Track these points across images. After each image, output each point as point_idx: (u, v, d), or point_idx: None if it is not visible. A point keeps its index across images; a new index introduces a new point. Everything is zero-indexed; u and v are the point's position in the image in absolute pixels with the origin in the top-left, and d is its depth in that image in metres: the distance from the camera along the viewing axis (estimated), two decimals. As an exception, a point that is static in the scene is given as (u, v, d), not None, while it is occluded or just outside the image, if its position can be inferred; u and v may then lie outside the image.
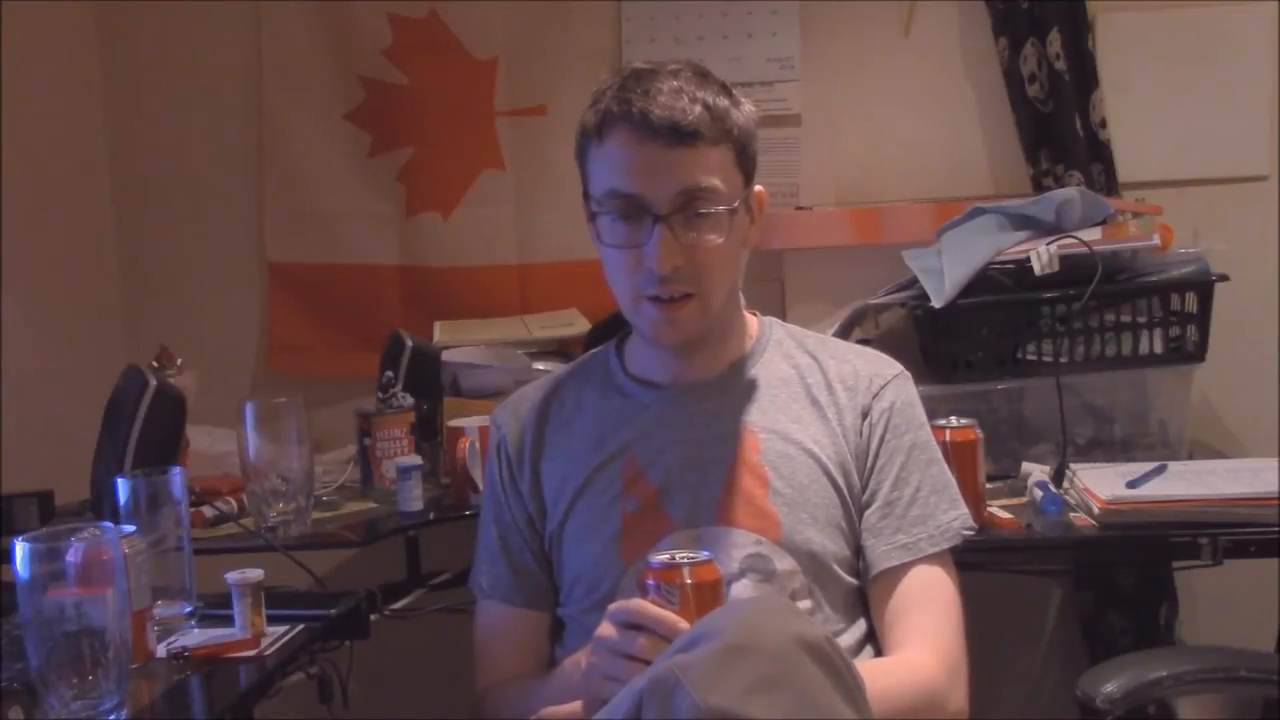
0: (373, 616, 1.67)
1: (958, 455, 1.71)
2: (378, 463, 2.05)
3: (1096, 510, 1.77)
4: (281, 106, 2.67)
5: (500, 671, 1.53)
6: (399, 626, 2.00)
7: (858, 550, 1.48)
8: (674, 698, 1.07)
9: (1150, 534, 1.78)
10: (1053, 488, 1.87)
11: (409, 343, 2.21)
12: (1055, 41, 2.38)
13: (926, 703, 1.38)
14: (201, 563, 1.62)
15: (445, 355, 2.29)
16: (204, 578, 1.60)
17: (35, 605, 1.26)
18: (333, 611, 1.59)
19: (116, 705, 1.28)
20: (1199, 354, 2.08)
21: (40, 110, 2.48)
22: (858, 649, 1.45)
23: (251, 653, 1.46)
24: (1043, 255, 2.00)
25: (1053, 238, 2.03)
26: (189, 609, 1.56)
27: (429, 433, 2.15)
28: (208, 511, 1.93)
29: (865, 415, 1.50)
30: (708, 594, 1.25)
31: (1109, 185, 2.39)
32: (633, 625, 1.24)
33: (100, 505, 1.86)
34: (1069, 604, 2.53)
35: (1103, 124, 2.40)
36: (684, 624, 1.21)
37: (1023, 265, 2.03)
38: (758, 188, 1.50)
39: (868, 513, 1.48)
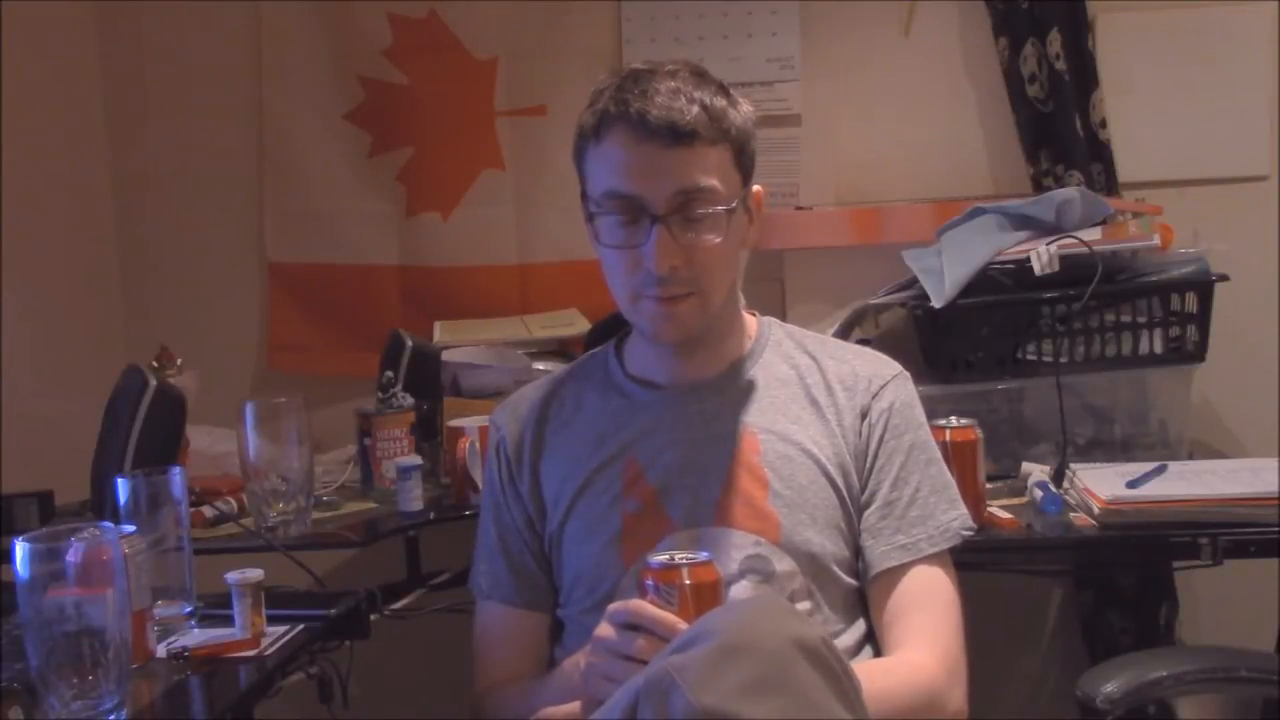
0: (373, 616, 1.67)
1: (958, 455, 1.71)
2: (378, 463, 2.05)
3: (1096, 510, 1.77)
4: (281, 106, 2.67)
5: (500, 672, 1.53)
6: (399, 626, 2.00)
7: (857, 551, 1.48)
8: (669, 698, 1.08)
9: (1150, 534, 1.78)
10: (1053, 488, 1.87)
11: (409, 343, 2.21)
12: (1055, 41, 2.38)
13: (926, 703, 1.38)
14: (201, 563, 1.62)
15: (445, 355, 2.29)
16: (204, 578, 1.60)
17: (35, 605, 1.26)
18: (333, 611, 1.59)
19: (116, 705, 1.28)
20: (1199, 354, 2.08)
21: (40, 110, 2.48)
22: (857, 649, 1.45)
23: (251, 653, 1.46)
24: (1043, 255, 2.00)
25: (1053, 238, 2.03)
26: (189, 609, 1.56)
27: (429, 433, 2.15)
28: (208, 511, 1.93)
29: (864, 415, 1.50)
30: (707, 595, 1.25)
31: (1109, 185, 2.39)
32: (632, 626, 1.24)
33: (100, 505, 1.86)
34: (1069, 604, 2.53)
35: (1103, 124, 2.40)
36: (683, 625, 1.21)
37: (1023, 265, 2.03)
38: (756, 187, 1.50)
39: (867, 513, 1.48)
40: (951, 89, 2.52)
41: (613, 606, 1.27)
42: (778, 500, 1.45)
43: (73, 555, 1.26)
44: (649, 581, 1.26)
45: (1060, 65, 2.38)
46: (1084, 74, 2.40)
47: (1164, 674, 1.52)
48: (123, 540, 1.37)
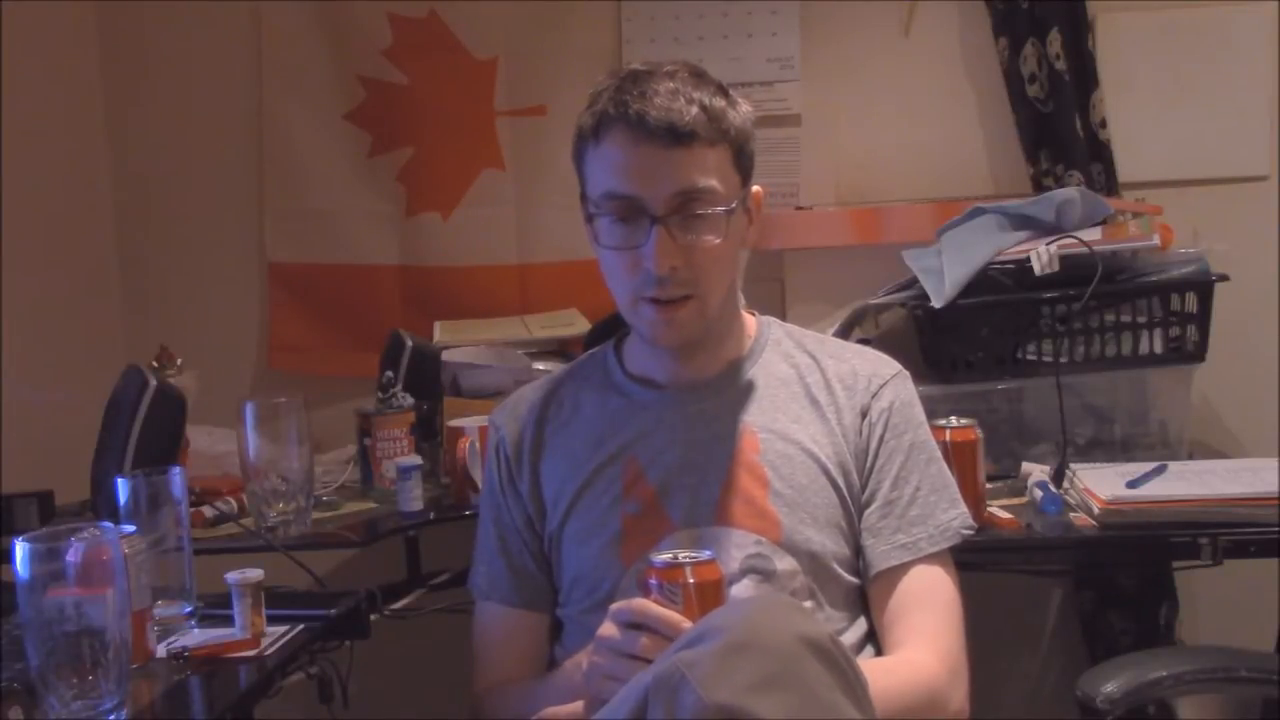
0: (373, 616, 1.68)
1: (958, 455, 1.71)
2: (378, 463, 2.05)
3: (1096, 510, 1.77)
4: (281, 106, 2.67)
5: (499, 672, 1.53)
6: (399, 626, 2.00)
7: (858, 549, 1.48)
8: (679, 694, 1.08)
9: (1150, 534, 1.78)
10: (1053, 488, 1.87)
11: (409, 343, 2.21)
12: (1055, 41, 2.38)
13: (927, 702, 1.38)
14: (201, 563, 1.62)
15: (445, 355, 2.29)
16: (204, 578, 1.60)
17: (35, 605, 1.26)
18: (333, 611, 1.59)
19: (116, 705, 1.28)
20: (1199, 354, 2.08)
21: (40, 110, 2.48)
22: (859, 647, 1.45)
23: (251, 653, 1.46)
24: (1043, 255, 2.00)
25: (1053, 238, 2.03)
26: (189, 609, 1.56)
27: (429, 433, 2.15)
28: (208, 511, 1.93)
29: (864, 415, 1.50)
30: (710, 593, 1.25)
31: (1109, 185, 2.39)
32: (635, 625, 1.24)
33: (100, 505, 1.86)
34: (1069, 604, 2.52)
35: (1103, 124, 2.40)
36: (686, 623, 1.21)
37: (1023, 265, 2.03)
38: (755, 188, 1.50)
39: (867, 512, 1.48)
40: (951, 89, 2.52)
41: (616, 605, 1.27)
42: (778, 499, 1.45)
43: (73, 555, 1.26)
44: (652, 580, 1.26)
45: (1060, 65, 2.38)
46: (1084, 74, 2.40)
47: (1164, 674, 1.52)
48: (123, 540, 1.37)
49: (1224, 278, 2.06)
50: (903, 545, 1.46)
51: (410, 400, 2.10)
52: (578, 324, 2.43)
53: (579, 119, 1.46)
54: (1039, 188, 2.39)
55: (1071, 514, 1.82)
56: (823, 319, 2.19)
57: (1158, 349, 2.08)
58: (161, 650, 1.46)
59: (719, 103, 1.42)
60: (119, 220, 2.72)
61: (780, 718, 1.06)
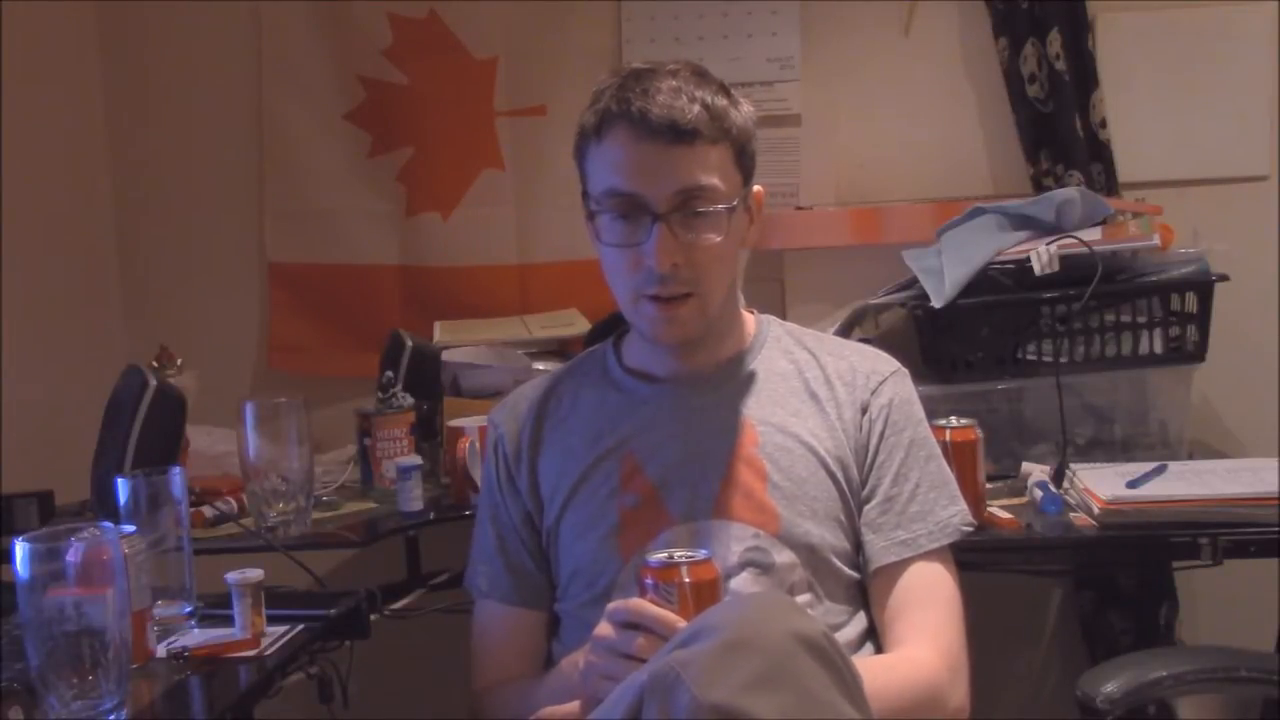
0: (373, 616, 1.67)
1: (958, 455, 1.71)
2: (378, 463, 2.05)
3: (1096, 510, 1.77)
4: (281, 106, 2.67)
5: (498, 671, 1.53)
6: (399, 626, 2.00)
7: (857, 544, 1.48)
8: (674, 694, 1.08)
9: (1150, 534, 1.78)
10: (1053, 488, 1.87)
11: (409, 343, 2.21)
12: (1055, 41, 2.38)
13: (928, 700, 1.38)
14: (201, 563, 1.62)
15: (445, 355, 2.29)
16: (204, 578, 1.60)
17: (35, 605, 1.26)
18: (333, 611, 1.59)
19: (116, 705, 1.28)
20: (1199, 354, 2.08)
21: (40, 110, 2.48)
22: (859, 643, 1.46)
23: (251, 653, 1.46)
24: (1043, 255, 2.00)
25: (1053, 238, 2.03)
26: (189, 609, 1.56)
27: (429, 433, 2.15)
28: (208, 511, 1.93)
29: (864, 411, 1.50)
30: (706, 593, 1.25)
31: (1109, 185, 2.39)
32: (631, 624, 1.24)
33: (100, 505, 1.86)
34: (1069, 604, 2.52)
35: (1103, 124, 2.40)
36: (682, 623, 1.21)
37: (1023, 265, 2.03)
38: (756, 187, 1.50)
39: (867, 508, 1.48)
40: (951, 89, 2.52)
41: (612, 605, 1.27)
42: (777, 492, 1.45)
43: (73, 555, 1.26)
44: (648, 580, 1.26)
45: (1060, 65, 2.38)
46: (1084, 74, 2.40)
47: (1164, 674, 1.52)
48: (123, 540, 1.37)
49: (1224, 278, 2.06)
50: (903, 542, 1.46)
51: (410, 400, 2.10)
52: (578, 324, 2.43)
53: (581, 117, 1.46)
54: (1039, 188, 2.39)
55: (1071, 514, 1.82)
56: (823, 319, 2.19)
57: (1158, 349, 2.08)
58: (161, 650, 1.46)
59: (721, 102, 1.43)
60: (119, 220, 2.72)
61: (775, 717, 1.06)
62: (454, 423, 2.03)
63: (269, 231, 2.69)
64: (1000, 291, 2.05)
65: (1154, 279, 2.07)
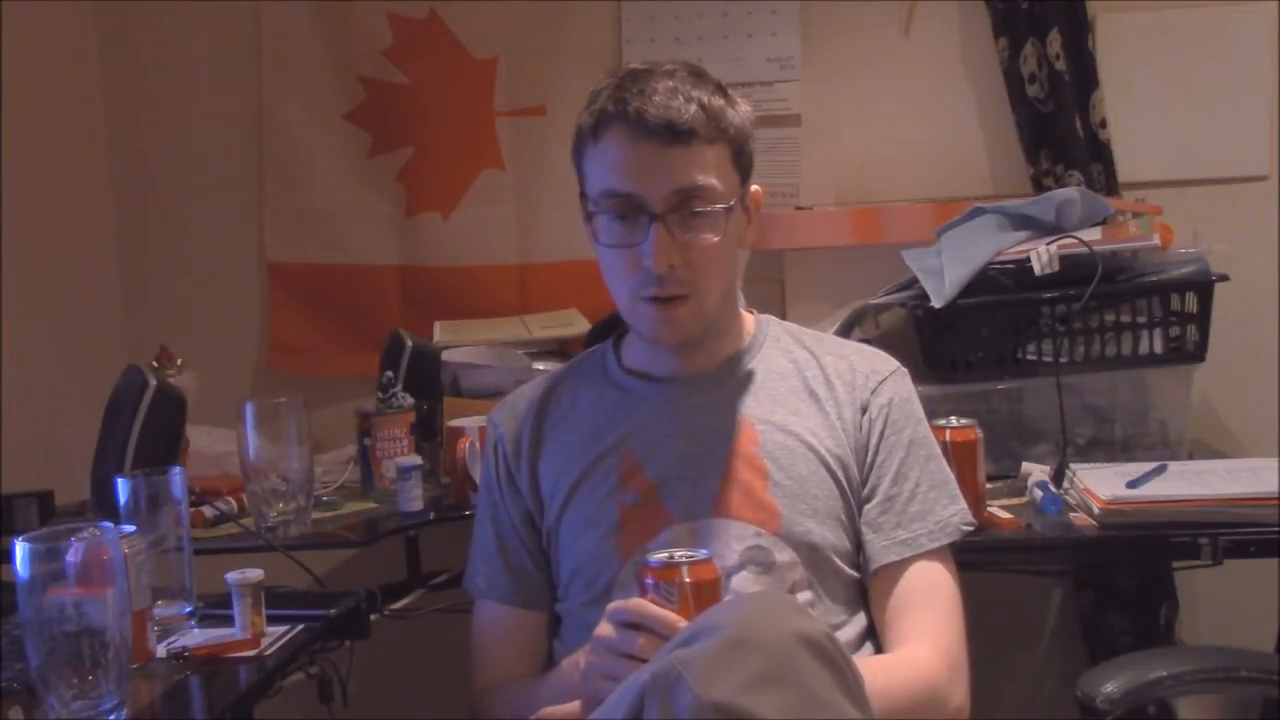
0: (373, 616, 1.67)
1: (958, 455, 1.71)
2: (378, 463, 2.05)
3: (1096, 510, 1.77)
4: (281, 106, 2.67)
5: (498, 671, 1.53)
6: (399, 626, 2.00)
7: (857, 544, 1.48)
8: (675, 692, 1.08)
9: (1150, 534, 1.78)
10: (1053, 488, 1.87)
11: (409, 343, 2.21)
12: (1055, 41, 2.38)
13: (928, 699, 1.38)
14: (201, 563, 1.62)
15: (445, 355, 2.29)
16: (204, 578, 1.60)
17: (35, 605, 1.25)
18: (333, 611, 1.59)
19: (116, 705, 1.28)
20: (1199, 354, 2.08)
21: (40, 110, 2.48)
22: (859, 643, 1.46)
23: (251, 653, 1.46)
24: (1043, 255, 2.00)
25: (1053, 238, 2.03)
26: (189, 609, 1.56)
27: (429, 433, 2.15)
28: (208, 511, 1.93)
29: (864, 410, 1.50)
30: (706, 592, 1.25)
31: (1109, 185, 2.39)
32: (632, 624, 1.24)
33: (100, 505, 1.86)
34: (1069, 604, 2.53)
35: (1103, 124, 2.40)
36: (682, 623, 1.21)
37: (1023, 265, 2.03)
38: (755, 188, 1.50)
39: (867, 508, 1.48)
40: (951, 89, 2.52)
41: (612, 605, 1.27)
42: (778, 490, 1.45)
43: (73, 555, 1.26)
44: (648, 580, 1.26)
45: (1060, 65, 2.38)
46: (1084, 74, 2.40)
47: (1164, 674, 1.52)
48: (123, 540, 1.36)
49: (1224, 278, 2.06)
50: (903, 541, 1.46)
51: (410, 400, 2.10)
52: (578, 324, 2.43)
53: (578, 118, 1.46)
54: (1039, 188, 2.39)
55: (1071, 514, 1.82)
56: (823, 319, 2.19)
57: (1158, 349, 2.08)
58: (161, 650, 1.46)
59: (718, 101, 1.43)
60: (119, 220, 2.72)
61: (777, 716, 1.06)
62: (454, 423, 2.03)
63: (269, 231, 2.69)
64: (1000, 291, 2.05)
65: (1154, 279, 2.07)
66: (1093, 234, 2.05)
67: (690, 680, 1.07)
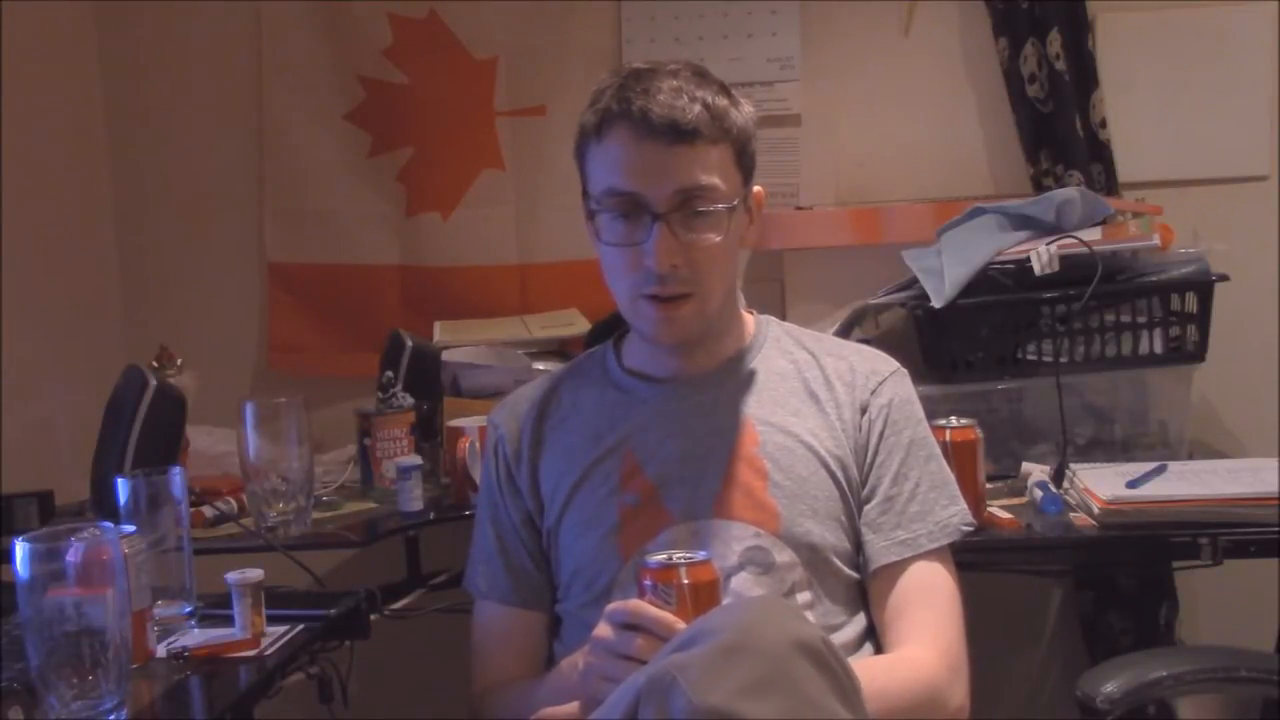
0: (373, 616, 1.67)
1: (958, 455, 1.71)
2: (378, 463, 2.05)
3: (1096, 510, 1.77)
4: (281, 106, 2.67)
5: (498, 672, 1.53)
6: (399, 626, 2.00)
7: (857, 545, 1.48)
8: (670, 697, 1.08)
9: (1150, 534, 1.78)
10: (1053, 488, 1.87)
11: (409, 343, 2.21)
12: (1055, 41, 2.38)
13: (928, 700, 1.38)
14: (201, 563, 1.62)
15: (445, 355, 2.29)
16: (204, 578, 1.60)
17: (35, 605, 1.25)
18: (333, 611, 1.59)
19: (116, 705, 1.28)
20: (1199, 354, 2.08)
21: (40, 110, 2.48)
22: (859, 643, 1.46)
23: (251, 653, 1.46)
24: (1043, 255, 2.00)
25: (1053, 238, 2.03)
26: (189, 609, 1.56)
27: (429, 433, 2.15)
28: (208, 511, 1.93)
29: (864, 411, 1.50)
30: (704, 594, 1.25)
31: (1109, 185, 2.39)
32: (630, 626, 1.24)
33: (100, 505, 1.86)
34: (1069, 604, 2.52)
35: (1103, 124, 2.40)
36: (681, 624, 1.21)
37: (1023, 265, 2.03)
38: (757, 188, 1.50)
39: (867, 508, 1.48)
40: (951, 89, 2.52)
41: (611, 606, 1.27)
42: (777, 491, 1.45)
43: (73, 555, 1.26)
44: (647, 581, 1.26)
45: (1060, 65, 2.38)
46: (1084, 74, 2.40)
47: (1164, 674, 1.52)
48: (123, 540, 1.36)
49: (1224, 278, 2.06)
50: (902, 542, 1.46)
51: (410, 400, 2.10)
52: (578, 324, 2.43)
53: (581, 116, 1.46)
54: (1039, 188, 2.39)
55: (1071, 514, 1.82)
56: (823, 319, 2.19)
57: (1158, 349, 2.08)
58: (161, 650, 1.46)
59: (722, 102, 1.43)
60: (119, 221, 2.72)
61: (771, 720, 1.06)
62: (454, 423, 2.03)
63: (269, 231, 2.69)
64: (1000, 291, 2.05)
65: (1154, 279, 2.07)
66: (1093, 234, 2.05)
67: (685, 685, 1.07)
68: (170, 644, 1.48)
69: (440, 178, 2.64)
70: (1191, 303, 2.07)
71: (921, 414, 1.55)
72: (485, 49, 2.62)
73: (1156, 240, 2.04)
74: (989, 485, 1.83)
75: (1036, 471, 1.93)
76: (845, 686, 1.13)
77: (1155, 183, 2.44)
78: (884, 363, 1.56)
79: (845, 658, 1.16)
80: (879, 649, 1.46)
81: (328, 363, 2.66)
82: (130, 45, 2.69)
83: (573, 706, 1.35)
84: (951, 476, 1.54)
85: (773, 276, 2.44)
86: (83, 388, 2.15)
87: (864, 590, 1.49)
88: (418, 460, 2.02)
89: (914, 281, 2.11)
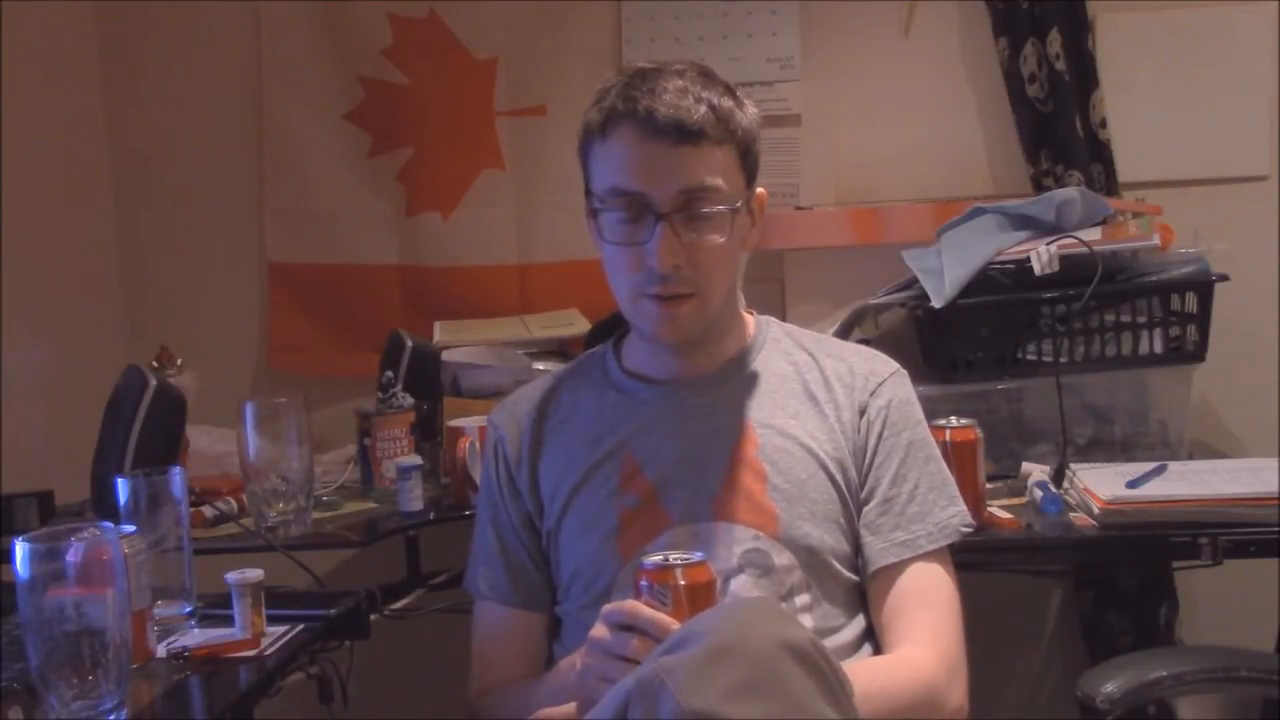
0: (373, 616, 1.67)
1: (958, 455, 1.71)
2: (378, 463, 2.05)
3: (1096, 510, 1.77)
4: (281, 106, 2.67)
5: (497, 672, 1.53)
6: (399, 626, 2.00)
7: (856, 547, 1.48)
8: (658, 699, 1.08)
9: (1150, 534, 1.78)
10: (1053, 488, 1.87)
11: (409, 343, 2.21)
12: (1055, 41, 2.38)
13: (926, 700, 1.38)
14: (201, 563, 1.62)
15: (445, 355, 2.29)
16: (204, 578, 1.60)
17: (35, 605, 1.26)
18: (333, 611, 1.59)
19: (116, 705, 1.28)
20: (1199, 354, 2.08)
21: (40, 110, 2.48)
22: (857, 645, 1.45)
23: (251, 653, 1.46)
24: (1043, 255, 2.00)
25: (1053, 238, 2.03)
26: (189, 609, 1.57)
27: (429, 433, 2.15)
28: (208, 511, 1.93)
29: (863, 412, 1.50)
30: (700, 595, 1.25)
31: (1109, 185, 2.39)
32: (626, 627, 1.24)
33: (100, 505, 1.86)
34: (1069, 604, 2.53)
35: (1103, 124, 2.40)
36: (676, 625, 1.21)
37: (1023, 265, 2.03)
38: (759, 190, 1.50)
39: (866, 509, 1.48)
40: (951, 89, 2.52)
41: (607, 607, 1.27)
42: (776, 493, 1.45)
43: (73, 555, 1.26)
44: (643, 582, 1.26)
45: (1060, 65, 2.38)
46: (1084, 74, 2.40)
47: (1164, 674, 1.52)
48: (123, 540, 1.37)
49: (1224, 278, 2.06)
50: (901, 543, 1.46)
51: (410, 400, 2.10)
52: (578, 324, 2.43)
53: (585, 115, 1.46)
54: (1039, 188, 2.40)
55: (1071, 514, 1.82)
56: (823, 319, 2.19)
57: (1158, 349, 2.08)
58: (161, 650, 1.46)
59: (727, 103, 1.43)
60: (119, 221, 2.72)
61: (757, 722, 1.06)
62: (454, 423, 2.03)
63: (269, 231, 2.69)
64: (1000, 291, 2.05)
65: (1154, 279, 2.07)
66: (1093, 234, 2.05)
67: (672, 688, 1.07)
68: (170, 644, 1.48)
69: (440, 178, 2.64)
70: (1191, 303, 2.07)
71: (921, 415, 1.55)
72: (485, 49, 2.62)
73: (1156, 240, 2.04)
74: (989, 485, 1.83)
75: (1036, 471, 1.93)
76: (834, 688, 1.13)
77: (1155, 183, 2.44)
78: (883, 364, 1.56)
79: (836, 660, 1.16)
80: (878, 650, 1.46)
81: (328, 363, 2.66)
82: (130, 45, 2.69)
83: (571, 707, 1.35)
84: (950, 477, 1.54)
85: (773, 276, 2.44)
86: (83, 388, 2.15)
87: (863, 592, 1.49)
88: (418, 460, 2.02)
89: (914, 281, 2.11)
